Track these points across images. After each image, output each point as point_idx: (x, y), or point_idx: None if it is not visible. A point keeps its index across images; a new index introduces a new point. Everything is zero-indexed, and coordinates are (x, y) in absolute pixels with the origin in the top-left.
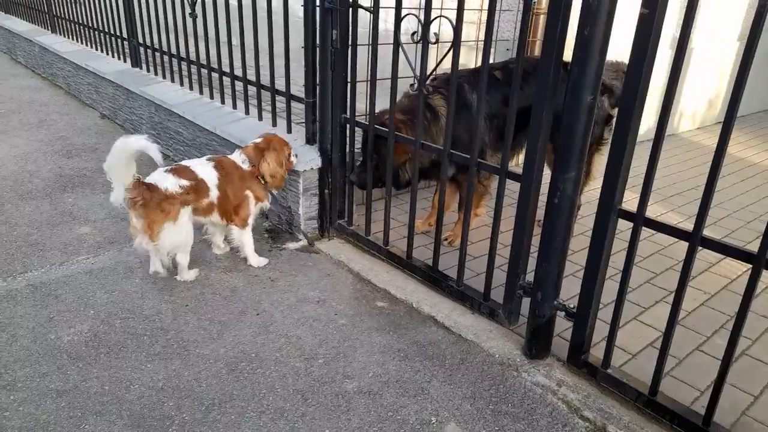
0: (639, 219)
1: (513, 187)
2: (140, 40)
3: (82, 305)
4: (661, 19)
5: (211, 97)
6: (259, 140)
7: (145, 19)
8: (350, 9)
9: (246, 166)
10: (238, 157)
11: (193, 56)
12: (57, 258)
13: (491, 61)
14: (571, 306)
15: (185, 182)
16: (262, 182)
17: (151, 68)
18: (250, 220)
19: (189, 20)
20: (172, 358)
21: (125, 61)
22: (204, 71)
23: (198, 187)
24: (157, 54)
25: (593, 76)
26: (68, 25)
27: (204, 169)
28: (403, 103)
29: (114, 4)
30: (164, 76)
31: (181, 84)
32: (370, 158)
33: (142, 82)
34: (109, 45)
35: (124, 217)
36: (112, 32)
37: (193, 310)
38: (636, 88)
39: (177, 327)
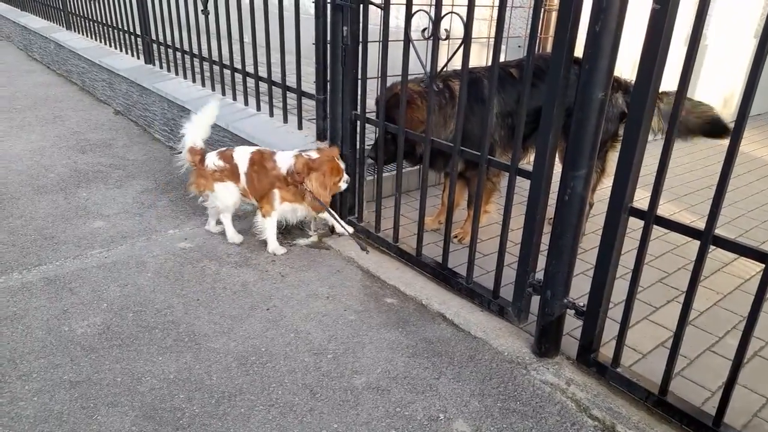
0: (650, 217)
1: (523, 185)
2: (153, 37)
3: (96, 298)
4: (674, 15)
5: (223, 93)
6: (314, 156)
7: (158, 16)
8: (361, 5)
9: (282, 170)
10: (285, 160)
11: (205, 53)
12: (71, 252)
13: (503, 58)
14: (581, 304)
15: (220, 164)
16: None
17: (164, 65)
18: (273, 214)
19: (201, 17)
20: (183, 352)
21: (139, 57)
22: (216, 68)
23: (231, 170)
24: (170, 51)
25: (605, 73)
26: (83, 22)
27: (242, 157)
28: (418, 80)
29: (128, 2)
30: (177, 73)
31: (194, 81)
32: (383, 129)
33: (156, 78)
34: (123, 42)
35: (137, 213)
36: (126, 29)
37: (204, 305)
38: (647, 85)
39: (188, 321)
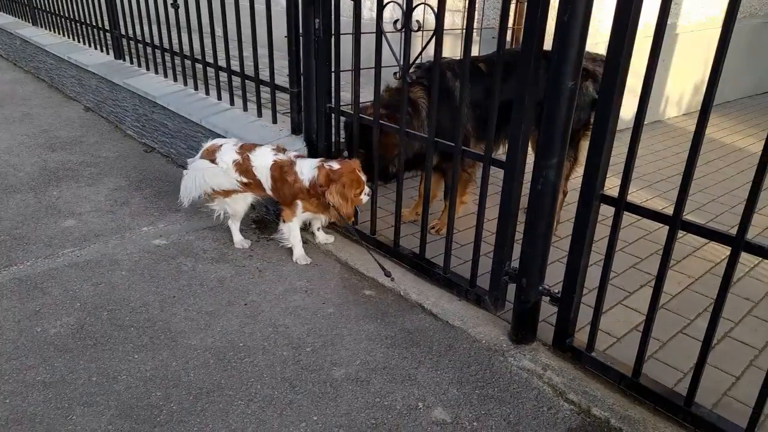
0: (620, 204)
1: (499, 175)
2: (123, 32)
3: (69, 298)
4: (639, 4)
5: (196, 88)
6: (335, 167)
7: (128, 10)
8: None
9: (306, 183)
10: (308, 172)
11: (176, 48)
12: (42, 251)
13: (477, 49)
14: (556, 291)
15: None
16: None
17: (135, 60)
18: (295, 220)
19: (172, 11)
20: (159, 349)
21: (108, 53)
22: (188, 62)
23: (254, 182)
24: (140, 45)
25: (574, 62)
26: (50, 18)
27: (262, 167)
28: (384, 98)
29: None
30: (148, 68)
31: (165, 75)
32: (356, 152)
33: (126, 73)
34: (91, 37)
35: (109, 210)
36: (94, 24)
37: (181, 301)
38: (615, 73)
39: (164, 318)
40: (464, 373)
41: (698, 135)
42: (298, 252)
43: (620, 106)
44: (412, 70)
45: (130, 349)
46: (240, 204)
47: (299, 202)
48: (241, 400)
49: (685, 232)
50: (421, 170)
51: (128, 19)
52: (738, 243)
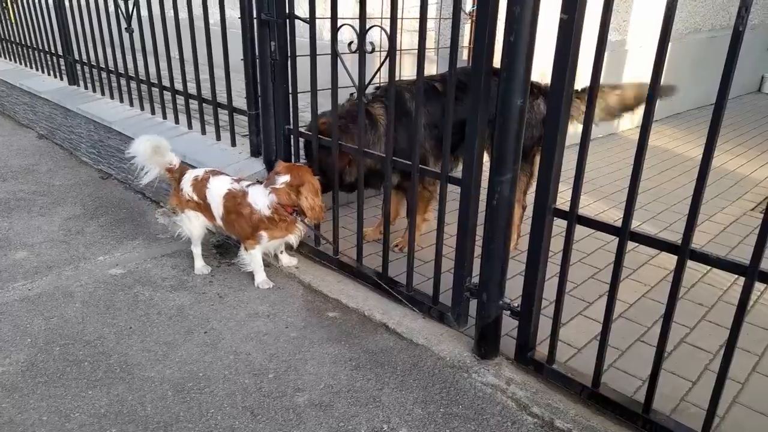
0: (572, 217)
1: (458, 192)
2: (76, 57)
3: (19, 334)
4: (581, 24)
5: (153, 112)
6: (282, 179)
7: (81, 35)
8: (287, 20)
9: (264, 211)
10: (261, 198)
11: (132, 72)
12: None
13: (436, 69)
14: (516, 305)
15: (194, 197)
16: (297, 217)
17: (89, 85)
18: (258, 248)
19: (126, 35)
20: (115, 383)
21: (62, 78)
22: (144, 87)
23: (205, 206)
24: (95, 70)
25: (522, 81)
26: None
27: (216, 189)
28: (344, 107)
29: (47, 21)
30: (103, 93)
31: (121, 100)
32: (316, 144)
33: (80, 99)
34: (44, 63)
35: (63, 240)
36: (46, 49)
37: (138, 332)
38: (561, 91)
39: (120, 350)
40: (429, 392)
41: (640, 150)
42: (261, 277)
43: (567, 123)
44: (371, 90)
45: (84, 384)
46: (194, 222)
47: (263, 233)
48: None
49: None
50: (380, 188)
51: (82, 44)
52: (684, 252)
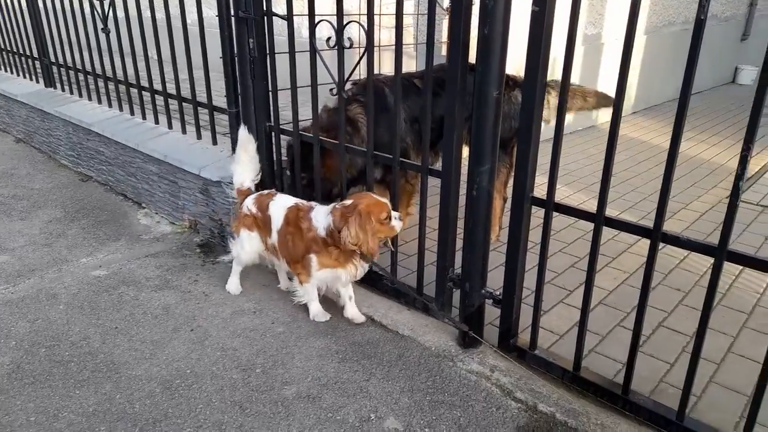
0: (549, 204)
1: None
2: (52, 59)
3: (3, 337)
4: (552, 16)
5: (132, 113)
6: (348, 202)
7: (56, 37)
8: (265, 17)
9: (321, 230)
10: (321, 217)
11: (110, 73)
12: None
13: (415, 65)
14: (498, 294)
15: (254, 210)
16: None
17: (66, 87)
18: (312, 280)
19: (103, 36)
20: (102, 383)
21: (38, 81)
22: (122, 87)
23: (263, 219)
24: (72, 72)
25: (497, 72)
26: None
27: (281, 202)
28: (323, 119)
29: (21, 23)
30: (80, 95)
31: (99, 102)
32: (298, 175)
33: (57, 102)
34: (19, 65)
35: (45, 243)
36: (21, 52)
37: (123, 332)
38: (534, 82)
39: (106, 350)
40: (415, 381)
41: (612, 141)
42: (315, 307)
43: (541, 114)
44: (349, 86)
45: (71, 384)
46: (245, 246)
47: (313, 257)
48: (190, 427)
49: (618, 232)
50: (364, 184)
51: (57, 46)
52: (656, 235)
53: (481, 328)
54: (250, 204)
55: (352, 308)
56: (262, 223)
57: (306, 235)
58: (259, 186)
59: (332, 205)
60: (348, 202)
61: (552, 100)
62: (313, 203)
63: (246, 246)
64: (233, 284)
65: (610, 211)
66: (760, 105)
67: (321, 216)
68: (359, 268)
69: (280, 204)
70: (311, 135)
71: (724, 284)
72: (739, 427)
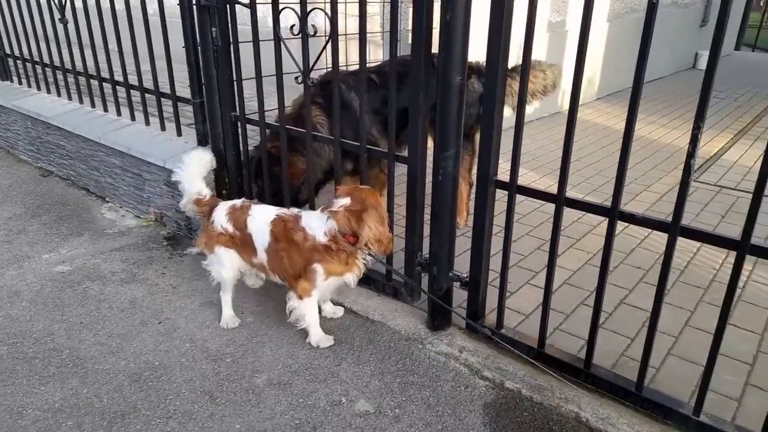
0: (512, 187)
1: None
2: (8, 51)
3: None
4: (512, 2)
5: (93, 105)
6: (342, 202)
7: (11, 28)
8: (227, 5)
9: (321, 236)
10: (317, 222)
11: (68, 64)
12: None
13: (382, 53)
14: (465, 276)
15: (230, 228)
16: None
17: (23, 80)
18: (314, 293)
19: (60, 26)
20: (68, 378)
21: None
22: (82, 79)
23: (242, 238)
24: (29, 64)
25: (459, 58)
26: None
27: (261, 215)
28: (289, 111)
29: None
30: (39, 88)
31: (59, 94)
32: (265, 178)
33: (14, 95)
34: None
35: (5, 240)
36: None
37: (89, 327)
38: (495, 69)
39: (72, 346)
40: (385, 365)
41: (570, 127)
42: (317, 333)
43: (503, 99)
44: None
45: (36, 381)
46: (226, 263)
47: (318, 267)
48: (160, 418)
49: (582, 214)
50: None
51: (13, 38)
52: (613, 215)
53: (450, 311)
54: (223, 221)
55: (329, 305)
56: (240, 242)
57: (303, 246)
58: (218, 181)
59: (324, 208)
60: (345, 201)
61: (516, 86)
62: (295, 210)
63: (226, 263)
64: (228, 317)
65: (576, 194)
66: (709, 86)
67: (315, 222)
68: (360, 270)
69: (261, 218)
70: (277, 124)
71: (683, 262)
72: (694, 395)
